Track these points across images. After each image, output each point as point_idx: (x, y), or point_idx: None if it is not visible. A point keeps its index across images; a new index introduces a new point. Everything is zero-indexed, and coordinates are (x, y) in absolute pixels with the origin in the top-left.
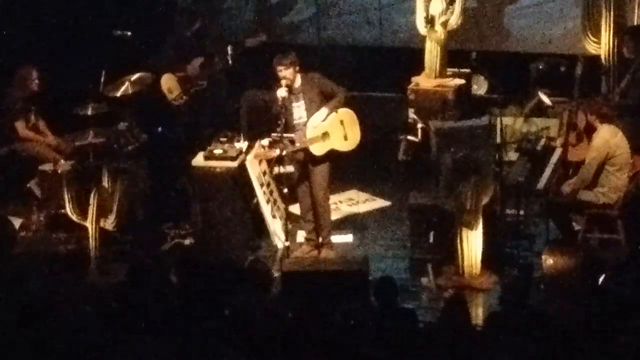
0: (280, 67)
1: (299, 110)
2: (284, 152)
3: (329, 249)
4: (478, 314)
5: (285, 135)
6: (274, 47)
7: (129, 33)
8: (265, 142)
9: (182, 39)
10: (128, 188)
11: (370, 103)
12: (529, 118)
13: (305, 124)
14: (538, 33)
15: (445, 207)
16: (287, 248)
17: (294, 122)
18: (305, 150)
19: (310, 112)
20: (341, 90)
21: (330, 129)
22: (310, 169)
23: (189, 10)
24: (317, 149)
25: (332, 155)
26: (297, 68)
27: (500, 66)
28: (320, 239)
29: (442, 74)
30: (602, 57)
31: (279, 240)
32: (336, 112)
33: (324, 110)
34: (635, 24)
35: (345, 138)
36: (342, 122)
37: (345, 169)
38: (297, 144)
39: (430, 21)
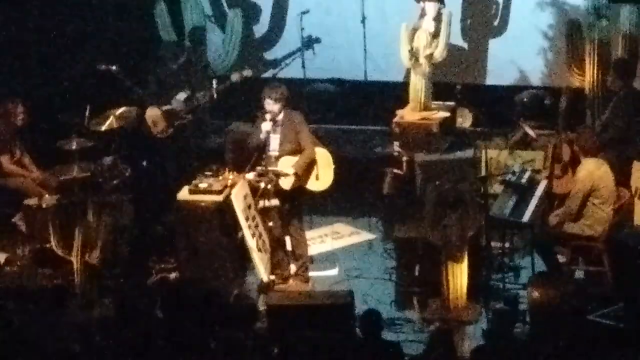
0: (269, 100)
1: (274, 142)
2: (269, 186)
3: (304, 282)
4: (464, 347)
5: (270, 168)
6: (258, 81)
7: (114, 67)
8: (251, 176)
9: (167, 73)
10: (113, 222)
11: (355, 136)
12: (514, 151)
13: (276, 158)
14: (522, 66)
15: (430, 239)
16: (272, 282)
17: (268, 153)
18: (277, 185)
19: (282, 147)
20: (311, 147)
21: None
22: (285, 203)
23: (174, 44)
24: (287, 183)
25: (305, 192)
26: (284, 103)
27: (484, 99)
28: (295, 270)
29: (426, 107)
30: (586, 89)
31: (265, 273)
32: (300, 172)
33: (291, 169)
34: (619, 56)
35: (317, 178)
36: (315, 162)
37: (330, 203)
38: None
39: (414, 54)
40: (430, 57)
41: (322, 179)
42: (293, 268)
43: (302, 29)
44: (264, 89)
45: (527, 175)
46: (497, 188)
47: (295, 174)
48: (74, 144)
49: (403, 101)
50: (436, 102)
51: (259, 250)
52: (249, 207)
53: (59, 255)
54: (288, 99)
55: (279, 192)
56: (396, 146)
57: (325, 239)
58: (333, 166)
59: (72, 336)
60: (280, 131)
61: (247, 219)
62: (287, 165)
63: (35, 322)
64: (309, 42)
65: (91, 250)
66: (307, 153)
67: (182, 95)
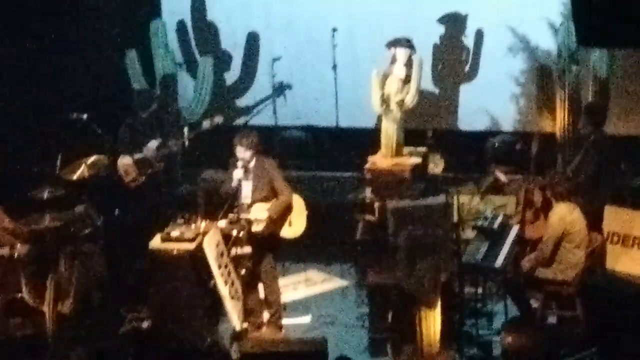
0: (240, 147)
1: (246, 189)
2: (242, 233)
3: (277, 329)
4: None
5: (242, 216)
6: (230, 129)
7: (85, 116)
8: (223, 223)
9: (138, 121)
10: (85, 272)
11: (327, 183)
12: (486, 196)
13: (249, 205)
14: (494, 111)
15: (403, 286)
16: (246, 329)
17: (241, 200)
18: (249, 232)
19: (255, 194)
20: (287, 192)
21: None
22: (257, 251)
23: (145, 92)
24: (260, 227)
25: (277, 239)
26: (256, 150)
27: (456, 144)
28: (268, 318)
29: (398, 153)
30: (558, 134)
31: (238, 321)
32: (275, 216)
33: (265, 213)
34: (589, 100)
35: (290, 224)
36: (291, 208)
37: (303, 249)
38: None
39: (385, 101)
40: (401, 103)
41: (295, 225)
42: (266, 315)
43: (274, 75)
44: (235, 136)
45: (499, 220)
46: (469, 234)
47: (270, 217)
48: (45, 193)
49: (375, 147)
50: (408, 148)
51: (232, 297)
52: (222, 254)
53: (31, 305)
54: (259, 146)
55: (252, 239)
56: (368, 192)
57: (298, 286)
58: (306, 212)
59: None
60: (252, 178)
61: (219, 266)
62: (261, 211)
63: None
64: (281, 89)
65: (63, 300)
66: (282, 198)
67: (153, 143)
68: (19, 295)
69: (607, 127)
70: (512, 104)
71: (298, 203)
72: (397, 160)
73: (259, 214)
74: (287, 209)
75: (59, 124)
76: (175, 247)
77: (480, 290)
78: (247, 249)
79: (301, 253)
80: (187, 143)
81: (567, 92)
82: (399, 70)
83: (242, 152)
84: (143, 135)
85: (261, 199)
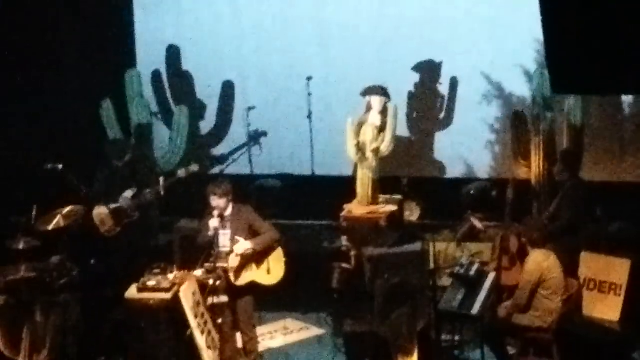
0: (213, 196)
1: (224, 238)
2: (218, 283)
3: None
4: None
5: (218, 265)
6: (205, 177)
7: (60, 166)
8: (199, 273)
9: (114, 171)
10: (61, 322)
11: (303, 231)
12: (462, 243)
13: (228, 253)
14: (469, 158)
15: (380, 333)
16: None
17: (218, 249)
18: (228, 280)
19: (234, 242)
20: (271, 230)
21: (254, 261)
22: (235, 299)
23: (120, 141)
24: (239, 280)
25: (256, 287)
26: (230, 198)
27: (432, 192)
28: None
29: (374, 201)
30: (533, 180)
31: None
32: (260, 249)
33: (249, 243)
34: (564, 146)
35: (268, 272)
36: (272, 250)
37: (279, 298)
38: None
39: (361, 149)
40: (376, 151)
41: (273, 272)
42: None
43: (249, 124)
44: (209, 185)
45: (475, 267)
46: (445, 281)
47: (254, 249)
48: (21, 243)
49: (350, 195)
50: (384, 196)
51: (209, 347)
52: (198, 304)
53: (7, 355)
54: (233, 194)
55: (229, 288)
56: (344, 240)
57: (276, 334)
58: (284, 259)
59: None
60: (230, 226)
61: (196, 316)
62: (241, 245)
63: None
64: (256, 138)
65: (39, 351)
66: (269, 234)
67: (129, 193)
68: None
69: (583, 173)
70: (488, 151)
71: (277, 251)
72: (372, 208)
73: (241, 247)
74: (269, 250)
75: (34, 174)
76: (151, 296)
77: (457, 338)
78: (224, 298)
79: (278, 302)
80: (162, 192)
81: (541, 138)
82: (374, 118)
83: (217, 201)
84: (118, 185)
85: None
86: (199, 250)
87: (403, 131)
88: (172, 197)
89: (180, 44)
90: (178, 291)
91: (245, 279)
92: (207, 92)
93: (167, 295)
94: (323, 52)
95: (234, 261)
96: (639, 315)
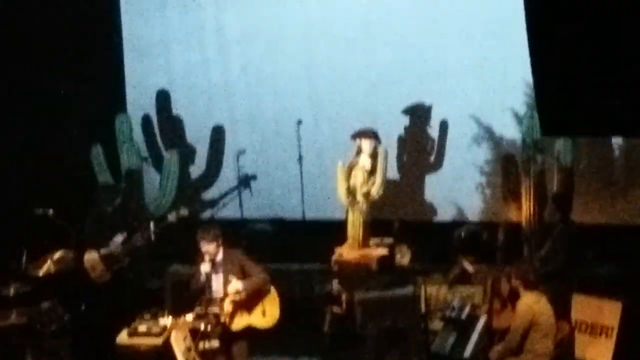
0: (203, 241)
1: (217, 283)
2: (209, 327)
3: None
4: None
5: (209, 309)
6: (196, 222)
7: (51, 211)
8: (190, 317)
9: (104, 216)
10: None
11: (294, 275)
12: (453, 286)
13: (221, 299)
14: (460, 201)
15: None
16: None
17: (211, 295)
18: (223, 325)
19: (227, 286)
20: (262, 274)
21: (249, 304)
22: (229, 344)
23: (110, 186)
24: (234, 324)
25: (251, 331)
26: (220, 242)
27: (423, 235)
28: None
29: (365, 244)
30: (523, 223)
31: None
32: (252, 290)
33: (241, 283)
34: (555, 189)
35: (264, 314)
36: (264, 294)
37: (270, 343)
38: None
39: (351, 192)
40: (367, 194)
41: (268, 314)
42: None
43: (239, 168)
44: (198, 231)
45: (466, 310)
46: (437, 324)
47: (245, 289)
48: (11, 289)
49: (341, 239)
50: (374, 239)
51: None
52: (189, 349)
53: None
54: (223, 238)
55: (224, 333)
56: (335, 284)
57: None
58: (278, 300)
59: None
60: (222, 271)
61: None
62: (233, 285)
63: None
64: (246, 182)
65: None
66: (261, 276)
67: (119, 238)
68: None
69: (574, 215)
70: (478, 194)
71: (271, 292)
72: (363, 251)
73: (233, 287)
74: (263, 290)
75: (24, 219)
76: (142, 342)
77: None
78: (215, 343)
79: (269, 346)
80: (153, 237)
81: (532, 181)
82: (365, 162)
83: (207, 246)
84: (109, 230)
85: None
86: (191, 296)
87: (393, 174)
88: (162, 242)
89: (170, 88)
90: (169, 336)
91: (240, 323)
92: (197, 136)
93: (158, 341)
94: (313, 96)
95: (228, 306)
96: (631, 357)
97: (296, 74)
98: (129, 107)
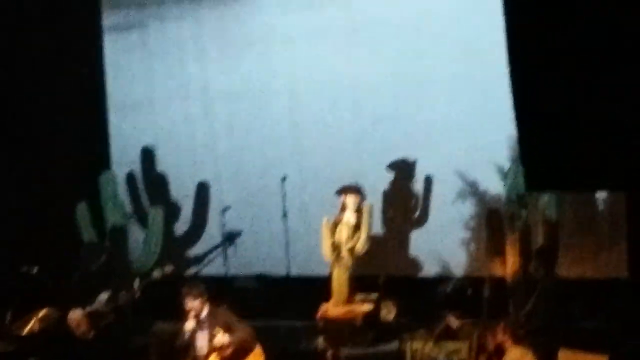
0: (188, 298)
1: (201, 340)
2: None
3: None
4: None
5: None
6: (181, 279)
7: (35, 269)
8: None
9: (89, 273)
10: None
11: (279, 332)
12: (439, 342)
13: (206, 355)
14: (444, 256)
15: None
16: None
17: (195, 352)
18: None
19: (211, 343)
20: (248, 329)
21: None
22: None
23: (95, 244)
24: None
25: None
26: (205, 299)
27: (408, 290)
28: None
29: (350, 301)
30: (509, 278)
31: None
32: (238, 345)
33: (227, 338)
34: (539, 243)
35: None
36: (250, 350)
37: None
38: None
39: (336, 248)
40: (352, 250)
41: None
42: None
43: (224, 225)
44: (183, 288)
45: None
46: None
47: (231, 343)
48: None
49: (326, 295)
50: (360, 295)
51: None
52: None
53: None
54: (208, 295)
55: None
56: (321, 340)
57: None
58: (263, 357)
59: None
60: (207, 327)
61: None
62: (220, 341)
63: None
64: (231, 238)
65: None
66: (246, 331)
67: (104, 296)
68: None
69: (558, 270)
70: (463, 249)
71: (257, 349)
72: (349, 307)
73: (219, 341)
74: (248, 346)
75: (9, 277)
76: None
77: None
78: None
79: None
80: (138, 294)
81: (517, 235)
82: (350, 218)
83: (191, 302)
84: (94, 288)
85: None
86: (176, 353)
87: (378, 230)
88: (147, 299)
89: (155, 145)
90: None
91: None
92: (182, 192)
93: None
94: (297, 152)
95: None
96: None
97: (281, 130)
98: (114, 165)
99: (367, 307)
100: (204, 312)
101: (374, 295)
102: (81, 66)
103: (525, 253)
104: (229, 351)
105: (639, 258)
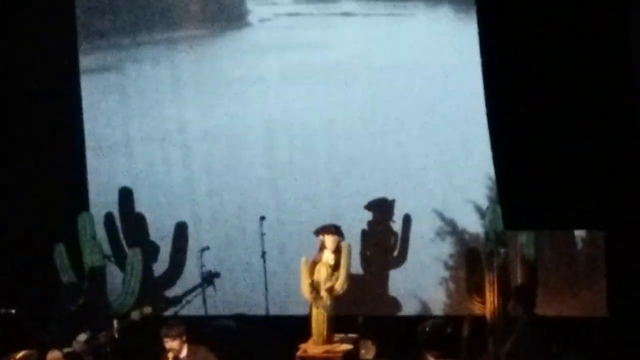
0: (167, 338)
1: None
2: None
3: None
4: None
5: None
6: (160, 319)
7: (13, 311)
8: None
9: (67, 314)
10: None
11: None
12: None
13: None
14: (423, 295)
15: None
16: None
17: None
18: None
19: None
20: None
21: None
22: None
23: (73, 285)
24: None
25: None
26: (184, 339)
27: (387, 330)
28: None
29: (329, 340)
30: (488, 316)
31: None
32: None
33: None
34: (518, 282)
35: None
36: None
37: None
38: None
39: (315, 288)
40: (331, 289)
41: None
42: None
43: (202, 265)
44: (162, 328)
45: None
46: None
47: None
48: None
49: (305, 335)
50: (339, 335)
51: None
52: None
53: None
54: (187, 335)
55: None
56: None
57: None
58: None
59: None
60: None
61: None
62: None
63: None
64: (209, 279)
65: None
66: None
67: (82, 337)
68: None
69: (538, 308)
70: (442, 288)
71: None
72: (328, 347)
73: None
74: None
75: None
76: None
77: None
78: None
79: None
80: (116, 335)
81: (495, 274)
82: (328, 257)
83: (170, 343)
84: (72, 329)
85: None
86: None
87: (357, 269)
88: (126, 340)
89: (132, 186)
90: None
91: None
92: (160, 233)
93: None
94: (275, 192)
95: None
96: None
97: (258, 171)
98: (92, 206)
99: (346, 346)
100: (183, 353)
101: (353, 335)
102: (58, 107)
103: (504, 291)
104: None
105: (618, 296)
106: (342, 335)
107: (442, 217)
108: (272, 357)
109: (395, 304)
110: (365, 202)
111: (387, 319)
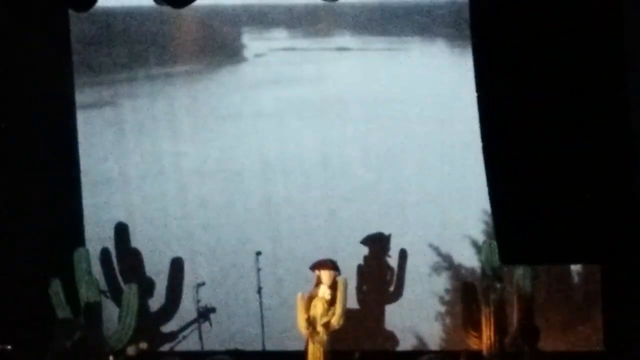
0: None
1: None
2: None
3: None
4: None
5: None
6: (156, 355)
7: (9, 347)
8: None
9: (63, 350)
10: None
11: None
12: None
13: None
14: (419, 330)
15: None
16: None
17: None
18: None
19: None
20: None
21: None
22: None
23: (69, 321)
24: None
25: None
26: None
27: None
28: None
29: None
30: (484, 351)
31: None
32: None
33: None
34: (515, 317)
35: None
36: None
37: None
38: None
39: (311, 323)
40: (327, 325)
41: None
42: None
43: (198, 300)
44: None
45: None
46: None
47: None
48: None
49: None
50: None
51: None
52: None
53: None
54: None
55: None
56: None
57: None
58: None
59: None
60: None
61: None
62: None
63: None
64: (205, 314)
65: None
66: None
67: None
68: None
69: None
70: (438, 323)
71: None
72: None
73: None
74: None
75: None
76: None
77: None
78: None
79: None
80: None
81: (492, 309)
82: (324, 292)
83: None
84: None
85: None
86: None
87: (353, 304)
88: None
89: (128, 221)
90: None
91: None
92: (156, 269)
93: None
94: (271, 227)
95: None
96: None
97: (254, 206)
98: (87, 241)
99: None
100: None
101: None
102: (54, 142)
103: (500, 326)
104: None
105: (614, 331)
106: None
107: (438, 252)
108: None
109: (391, 338)
110: (361, 237)
111: (383, 354)
